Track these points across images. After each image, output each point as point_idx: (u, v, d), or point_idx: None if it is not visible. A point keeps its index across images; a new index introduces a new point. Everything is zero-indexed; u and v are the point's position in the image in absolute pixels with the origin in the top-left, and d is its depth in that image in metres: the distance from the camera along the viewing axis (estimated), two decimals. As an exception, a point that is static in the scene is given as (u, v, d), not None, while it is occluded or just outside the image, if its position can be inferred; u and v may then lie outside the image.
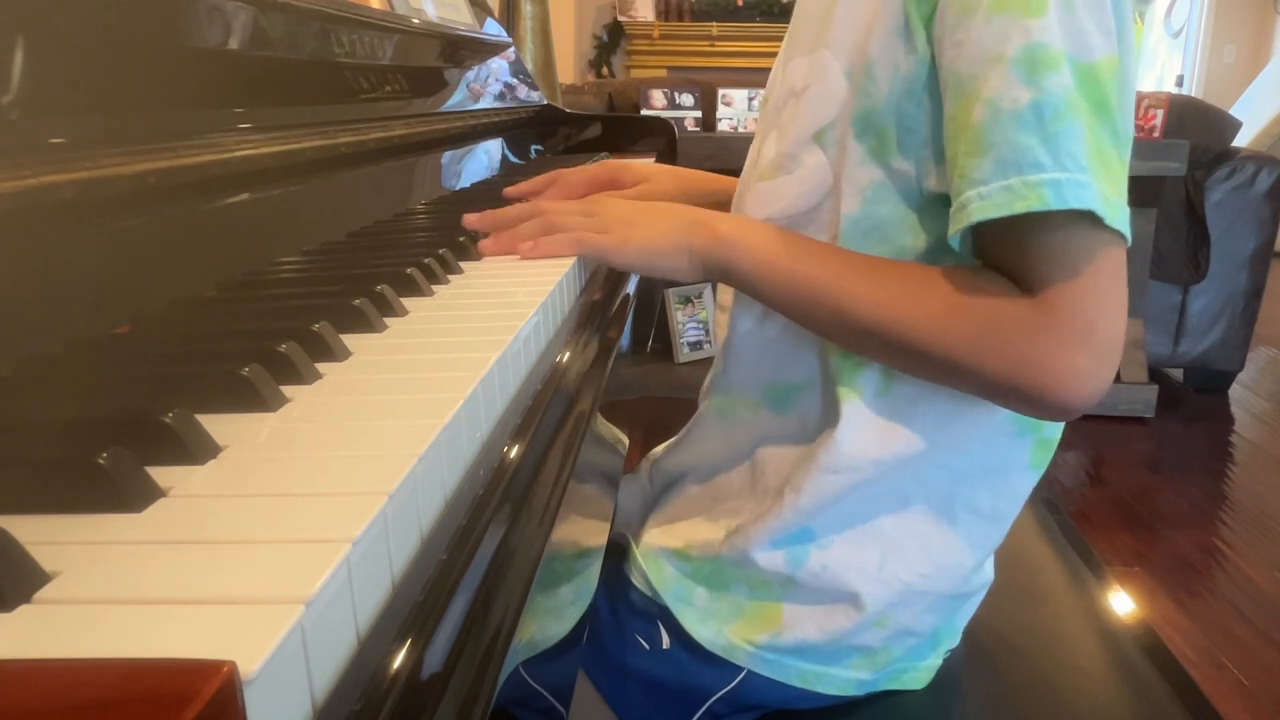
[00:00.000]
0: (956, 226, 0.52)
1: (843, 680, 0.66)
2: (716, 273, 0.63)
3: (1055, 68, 0.49)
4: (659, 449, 0.84)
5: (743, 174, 0.73)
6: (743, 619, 0.66)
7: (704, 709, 0.68)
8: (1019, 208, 0.49)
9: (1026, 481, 0.66)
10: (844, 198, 0.60)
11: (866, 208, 0.59)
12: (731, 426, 0.71)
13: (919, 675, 0.69)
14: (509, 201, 0.85)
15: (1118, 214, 0.50)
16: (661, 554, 0.70)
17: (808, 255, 0.59)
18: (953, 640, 0.70)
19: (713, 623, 0.67)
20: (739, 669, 0.66)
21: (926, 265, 0.58)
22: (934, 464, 0.63)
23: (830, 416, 0.63)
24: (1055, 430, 0.65)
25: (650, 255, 0.64)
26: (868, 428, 0.61)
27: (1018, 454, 0.65)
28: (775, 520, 0.64)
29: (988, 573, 0.69)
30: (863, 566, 0.63)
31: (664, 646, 0.68)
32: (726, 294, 0.70)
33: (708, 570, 0.68)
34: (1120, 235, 0.51)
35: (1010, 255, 0.53)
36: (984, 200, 0.50)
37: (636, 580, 0.71)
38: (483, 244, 0.69)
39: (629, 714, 0.69)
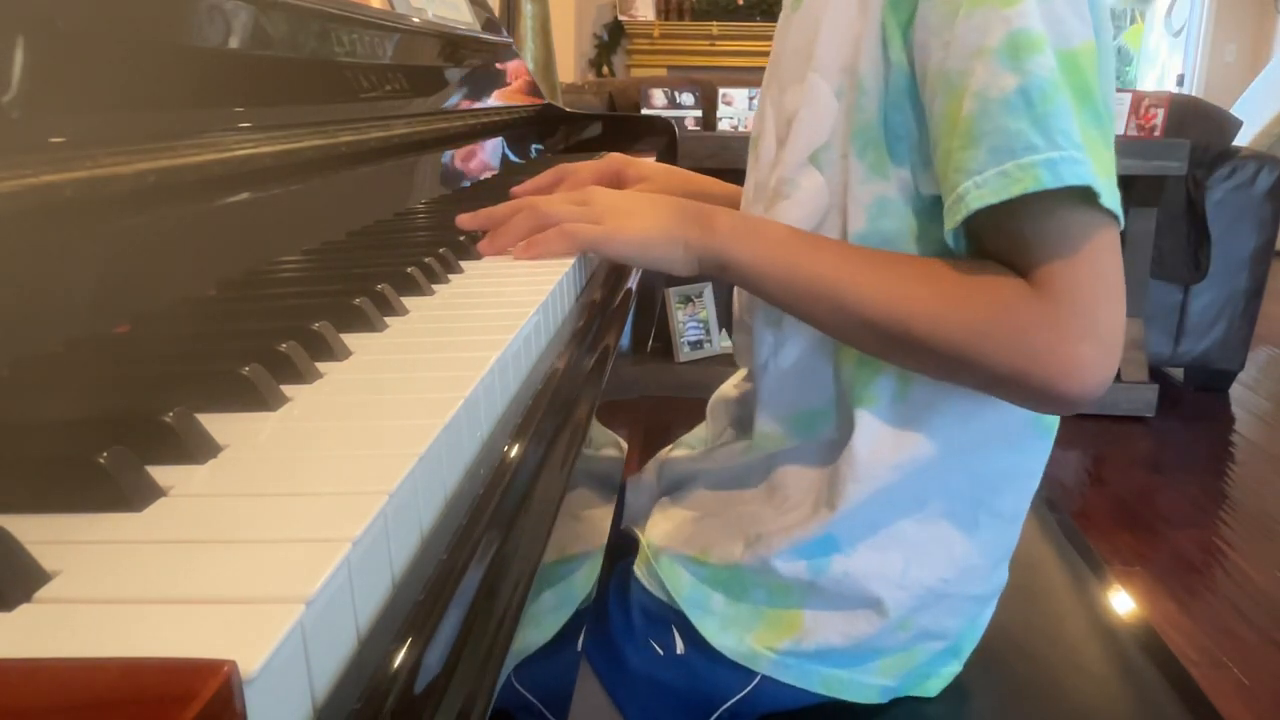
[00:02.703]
0: (954, 220, 0.52)
1: (866, 686, 0.65)
2: (713, 266, 0.61)
3: (1039, 50, 0.50)
4: (666, 451, 0.84)
5: (741, 205, 0.73)
6: (763, 625, 0.65)
7: (716, 715, 0.67)
8: (1015, 190, 0.49)
9: (1036, 482, 0.67)
10: (850, 216, 0.60)
11: (872, 223, 0.59)
12: (752, 452, 0.70)
13: (938, 682, 0.68)
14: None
15: (1110, 194, 0.50)
16: (678, 559, 0.69)
17: (808, 248, 0.59)
18: (972, 645, 0.69)
19: (733, 630, 0.66)
20: (753, 675, 0.66)
21: (928, 257, 0.58)
22: (956, 468, 0.63)
23: (847, 430, 0.63)
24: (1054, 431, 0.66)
25: (644, 246, 0.62)
26: (883, 433, 0.61)
27: (1037, 455, 0.65)
28: (799, 530, 0.63)
29: (1003, 575, 0.69)
30: (885, 573, 0.63)
31: (678, 651, 0.68)
32: (745, 331, 0.70)
33: (726, 576, 0.67)
34: (1113, 218, 0.51)
35: (1007, 244, 0.53)
36: (980, 188, 0.50)
37: (650, 585, 0.70)
38: (480, 244, 0.68)
39: (638, 719, 0.68)
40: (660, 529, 0.73)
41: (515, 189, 0.86)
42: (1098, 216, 0.51)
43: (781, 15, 0.69)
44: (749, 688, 0.66)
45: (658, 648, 0.68)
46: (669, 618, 0.68)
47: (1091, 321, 0.51)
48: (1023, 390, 0.53)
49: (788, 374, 0.66)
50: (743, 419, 0.73)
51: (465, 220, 0.72)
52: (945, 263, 0.56)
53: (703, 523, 0.71)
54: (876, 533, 0.63)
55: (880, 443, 0.61)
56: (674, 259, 0.62)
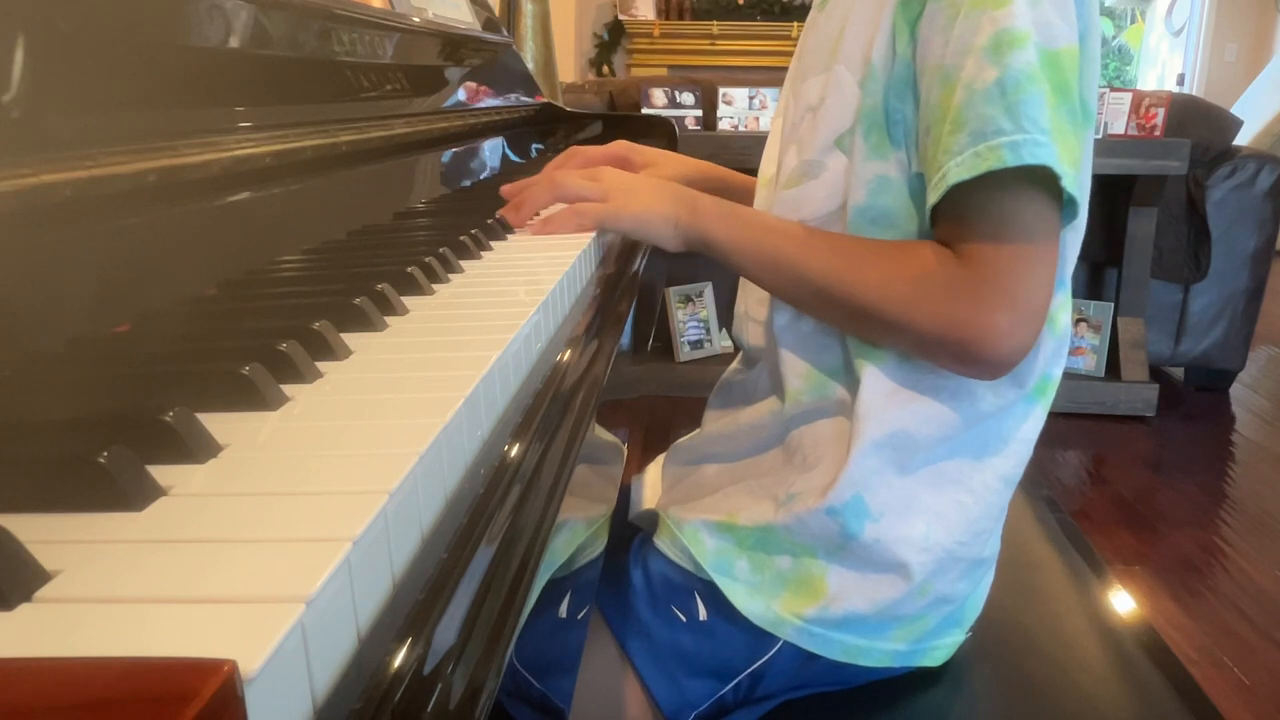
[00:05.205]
0: (936, 194, 0.58)
1: (882, 652, 0.68)
2: (697, 242, 0.69)
3: (1020, 46, 0.56)
4: (677, 442, 0.87)
5: (760, 189, 0.78)
6: (789, 591, 0.68)
7: (734, 682, 0.69)
8: (982, 167, 0.55)
9: (1031, 448, 0.71)
10: (852, 191, 0.66)
11: (871, 199, 0.65)
12: (766, 422, 0.73)
13: (942, 652, 0.70)
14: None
15: (1072, 180, 0.56)
16: (702, 527, 0.71)
17: (776, 231, 0.67)
18: (975, 613, 0.72)
19: (760, 597, 0.68)
20: (772, 644, 0.68)
21: (878, 240, 0.65)
22: (968, 434, 0.66)
23: (854, 388, 0.67)
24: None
25: (642, 222, 0.71)
26: (887, 384, 0.65)
27: (1033, 419, 0.69)
28: (829, 487, 0.66)
29: (998, 540, 0.73)
30: (911, 538, 0.66)
31: (701, 618, 0.70)
32: (761, 307, 0.74)
33: (754, 538, 0.69)
34: (1068, 207, 0.58)
35: (959, 223, 0.60)
36: (959, 167, 0.56)
37: (673, 554, 0.72)
38: (505, 210, 0.77)
39: (659, 685, 0.69)
40: (680, 505, 0.75)
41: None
42: (1047, 204, 0.58)
43: (810, 14, 0.76)
44: (768, 655, 0.68)
45: (680, 614, 0.70)
46: (693, 586, 0.70)
47: (1010, 294, 0.58)
48: (947, 353, 0.61)
49: (808, 335, 0.70)
50: (750, 394, 0.76)
51: (507, 189, 0.82)
52: (888, 243, 0.64)
53: (724, 491, 0.73)
54: (902, 499, 0.66)
55: (885, 395, 0.65)
56: (665, 235, 0.70)
